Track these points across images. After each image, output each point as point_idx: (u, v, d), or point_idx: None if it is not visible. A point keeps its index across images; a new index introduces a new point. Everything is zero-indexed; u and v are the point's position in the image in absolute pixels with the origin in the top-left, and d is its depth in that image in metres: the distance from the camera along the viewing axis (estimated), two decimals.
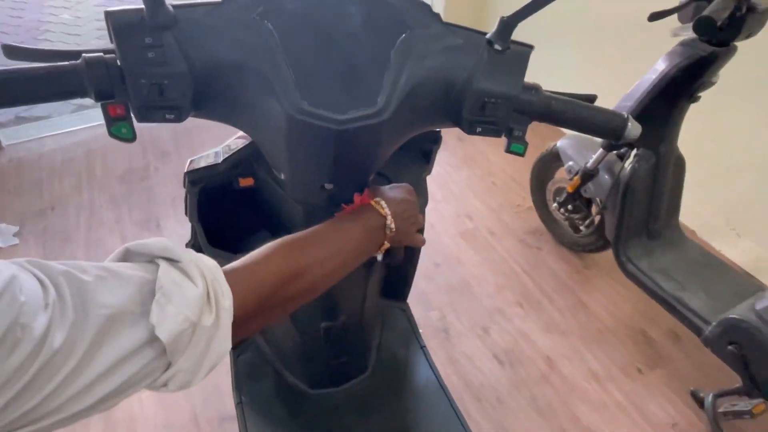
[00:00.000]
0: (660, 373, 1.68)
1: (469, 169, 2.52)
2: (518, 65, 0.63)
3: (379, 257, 0.71)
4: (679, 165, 1.71)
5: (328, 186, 0.68)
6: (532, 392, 1.61)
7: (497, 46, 0.62)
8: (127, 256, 0.45)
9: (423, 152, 0.92)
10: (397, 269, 1.27)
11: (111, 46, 0.57)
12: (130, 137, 0.58)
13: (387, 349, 1.24)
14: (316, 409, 1.13)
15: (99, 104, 0.57)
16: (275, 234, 0.90)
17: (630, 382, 1.65)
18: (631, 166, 1.64)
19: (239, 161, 0.80)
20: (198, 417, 1.48)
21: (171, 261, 0.44)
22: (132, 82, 0.55)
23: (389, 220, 0.66)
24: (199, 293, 0.42)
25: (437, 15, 0.64)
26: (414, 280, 1.32)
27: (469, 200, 2.33)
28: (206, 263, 0.46)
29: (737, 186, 2.03)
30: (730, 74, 1.48)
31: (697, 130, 1.68)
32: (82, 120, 2.72)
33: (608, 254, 1.82)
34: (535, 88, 0.65)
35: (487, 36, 0.63)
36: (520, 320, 1.82)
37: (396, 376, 1.20)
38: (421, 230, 0.83)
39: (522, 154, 0.67)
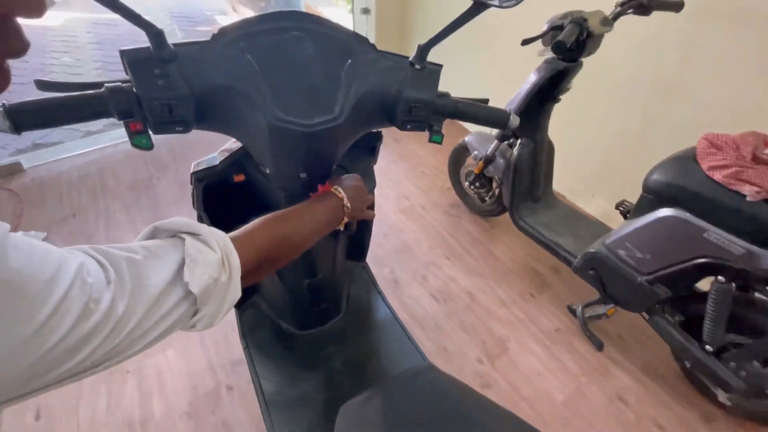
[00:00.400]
0: (546, 296, 1.79)
1: (404, 162, 2.56)
2: (433, 79, 0.67)
3: (341, 228, 0.73)
4: (550, 148, 1.80)
5: (303, 175, 0.70)
6: (460, 318, 1.67)
7: (417, 66, 0.65)
8: (155, 233, 0.45)
9: (369, 147, 0.94)
10: (356, 237, 1.30)
11: (125, 77, 0.56)
12: (149, 146, 0.58)
13: (354, 297, 1.27)
14: (305, 345, 1.15)
15: (120, 123, 0.56)
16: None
17: (526, 304, 1.75)
18: (517, 151, 1.71)
19: (233, 162, 0.80)
20: (213, 363, 1.46)
21: (192, 234, 0.44)
22: (147, 103, 0.54)
23: (345, 201, 0.69)
24: (218, 257, 0.44)
25: (373, 45, 0.66)
26: (370, 246, 1.35)
27: (405, 185, 2.37)
28: (218, 235, 0.47)
29: (590, 161, 2.13)
30: (580, 82, 1.58)
31: (561, 122, 1.78)
32: (91, 143, 2.53)
33: (506, 216, 1.90)
34: (446, 95, 0.69)
35: (410, 59, 0.67)
36: (448, 268, 1.89)
37: (363, 315, 1.23)
38: (371, 207, 0.86)
39: (440, 143, 0.70)
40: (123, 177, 2.31)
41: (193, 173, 0.79)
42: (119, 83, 0.54)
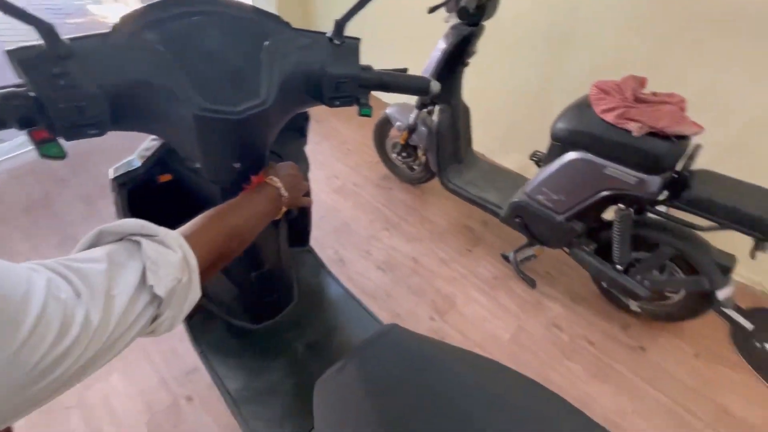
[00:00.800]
0: (481, 249, 1.92)
1: (328, 142, 2.54)
2: (354, 53, 0.68)
3: (280, 217, 0.71)
4: (466, 111, 1.90)
5: (237, 165, 0.68)
6: (407, 283, 1.75)
7: (336, 41, 0.66)
8: (100, 237, 0.42)
9: (298, 129, 0.93)
10: (297, 224, 1.29)
11: (18, 80, 0.50)
12: (62, 155, 0.52)
13: (305, 281, 1.27)
14: (263, 337, 1.13)
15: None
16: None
17: (464, 259, 1.87)
18: (437, 117, 1.78)
19: (156, 161, 0.75)
20: (165, 378, 1.39)
21: (147, 236, 0.42)
22: (52, 107, 0.49)
23: (282, 190, 0.67)
24: (179, 258, 0.42)
25: (287, 23, 0.65)
26: (308, 240, 1.35)
27: (333, 165, 2.37)
28: (173, 234, 0.45)
29: (503, 119, 2.29)
30: (484, 45, 1.67)
31: (472, 86, 1.87)
32: None
33: (435, 181, 1.99)
34: (369, 68, 0.70)
35: (327, 35, 0.67)
36: (389, 239, 1.94)
37: (316, 297, 1.23)
38: (307, 194, 0.84)
39: (370, 116, 0.72)
40: (14, 200, 2.02)
41: (114, 179, 0.73)
42: (12, 88, 0.48)
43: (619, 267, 1.48)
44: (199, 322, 1.15)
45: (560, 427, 0.53)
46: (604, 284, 1.63)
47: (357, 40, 0.69)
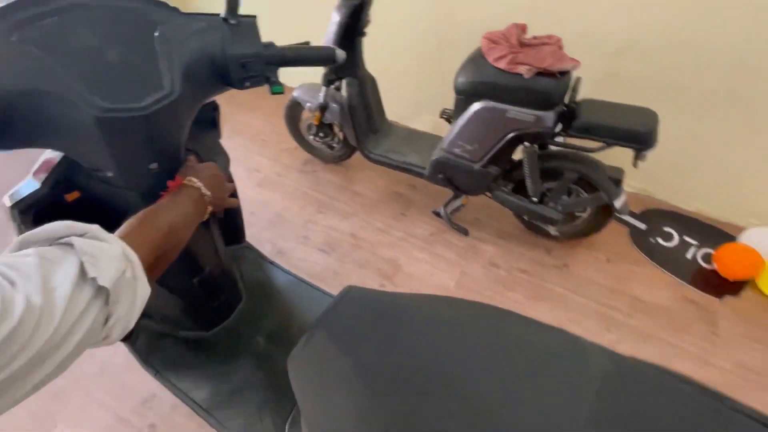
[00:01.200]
0: (413, 210, 2.01)
1: (240, 137, 2.44)
2: (253, 31, 0.66)
3: (207, 217, 0.69)
4: (372, 82, 1.93)
5: (153, 166, 0.65)
6: (351, 258, 1.77)
7: (232, 21, 0.64)
8: (23, 246, 0.38)
9: (210, 121, 0.90)
10: (228, 222, 1.25)
11: None
12: None
13: (249, 277, 1.24)
14: (220, 342, 1.10)
15: None
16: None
17: (400, 224, 1.94)
18: (346, 92, 1.79)
19: (58, 179, 0.68)
20: (121, 414, 1.29)
21: (77, 236, 0.40)
22: None
23: (203, 190, 0.65)
24: (119, 249, 0.41)
25: (175, 8, 0.62)
26: (244, 237, 1.31)
27: (251, 159, 2.28)
28: (106, 232, 0.43)
29: (408, 84, 2.36)
30: (377, 13, 1.70)
31: (374, 55, 1.90)
32: None
33: (358, 155, 2.02)
34: (271, 44, 0.69)
35: (221, 16, 0.65)
36: (324, 220, 1.95)
37: (265, 290, 1.21)
38: (234, 195, 0.81)
39: (282, 92, 0.71)
40: None
41: (12, 206, 0.65)
42: None
43: (534, 199, 1.65)
44: (144, 344, 1.09)
45: (534, 339, 0.59)
46: (526, 217, 1.81)
47: (253, 17, 0.67)
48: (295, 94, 1.95)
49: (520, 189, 1.69)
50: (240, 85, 0.67)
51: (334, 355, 0.61)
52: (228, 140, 2.37)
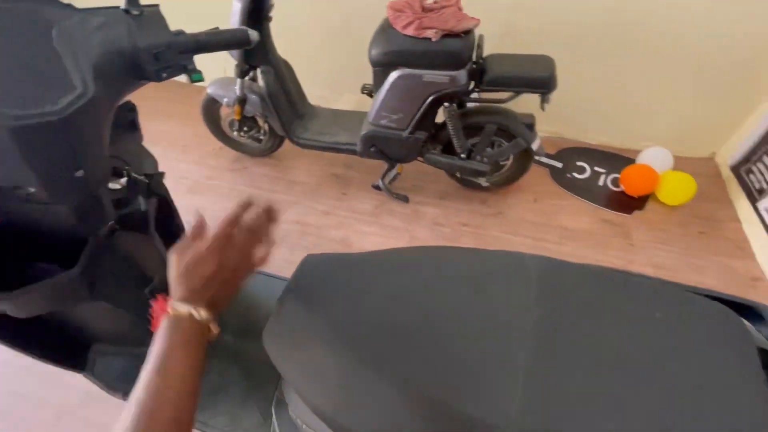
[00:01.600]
0: (353, 188, 2.04)
1: (159, 147, 2.25)
2: (159, 19, 0.64)
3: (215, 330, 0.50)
4: (288, 67, 1.90)
5: (79, 173, 0.61)
6: (302, 245, 1.78)
7: (135, 12, 0.62)
8: None
9: (129, 123, 0.86)
10: (165, 231, 1.20)
11: None
12: None
13: None
14: None
15: None
16: (48, 259, 0.75)
17: (343, 203, 1.97)
18: (263, 80, 1.76)
19: None
20: None
21: None
22: None
23: (197, 314, 0.47)
24: None
25: (70, 4, 0.59)
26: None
27: (176, 167, 2.17)
28: None
29: (324, 65, 2.35)
30: None
31: (286, 40, 1.87)
32: None
33: (288, 144, 2.00)
34: (181, 32, 0.67)
35: (122, 7, 0.62)
36: None
37: None
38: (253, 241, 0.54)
39: (202, 79, 0.70)
40: None
41: None
42: None
43: (462, 156, 1.75)
44: (103, 368, 1.04)
45: (477, 263, 0.66)
46: (458, 175, 1.92)
47: (156, 6, 0.65)
48: (209, 91, 1.87)
49: (448, 149, 1.79)
50: (157, 77, 0.65)
51: (307, 316, 0.65)
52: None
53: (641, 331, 0.52)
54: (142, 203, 0.84)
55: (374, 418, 0.55)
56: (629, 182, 1.96)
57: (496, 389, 0.49)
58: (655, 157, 2.02)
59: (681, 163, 2.04)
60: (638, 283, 0.60)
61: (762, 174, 1.85)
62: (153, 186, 0.87)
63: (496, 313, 0.57)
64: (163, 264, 1.01)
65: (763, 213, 1.80)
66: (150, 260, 0.97)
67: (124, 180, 0.82)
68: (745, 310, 0.58)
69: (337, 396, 0.59)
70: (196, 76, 0.69)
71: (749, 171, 1.94)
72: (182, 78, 0.76)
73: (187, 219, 1.87)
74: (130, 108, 0.82)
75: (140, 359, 1.09)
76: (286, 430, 0.88)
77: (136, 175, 0.82)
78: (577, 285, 0.58)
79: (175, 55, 0.66)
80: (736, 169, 2.02)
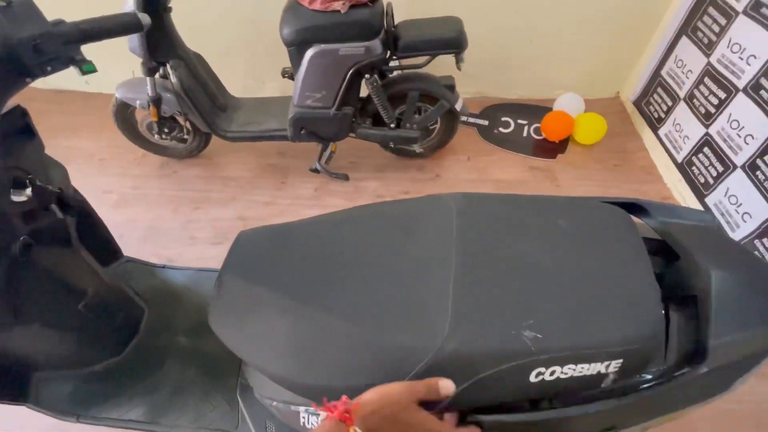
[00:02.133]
0: (291, 175, 2.02)
1: (74, 164, 2.05)
2: (31, 9, 0.60)
3: None
4: (200, 58, 1.82)
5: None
6: None
7: (2, 3, 0.58)
8: None
9: (24, 130, 0.79)
10: (98, 242, 1.14)
11: None
12: None
13: (144, 287, 1.16)
14: (136, 359, 1.05)
15: None
16: None
17: (283, 192, 1.95)
18: (175, 76, 1.67)
19: None
20: None
21: None
22: None
23: None
24: None
25: None
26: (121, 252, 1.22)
27: (96, 182, 2.02)
28: None
29: (242, 55, 2.28)
30: None
31: (195, 33, 1.78)
32: None
33: (215, 139, 1.94)
34: (61, 21, 0.64)
35: None
36: (205, 215, 1.86)
37: (167, 293, 1.16)
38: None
39: (95, 70, 0.66)
40: None
41: None
42: None
43: (392, 126, 1.79)
44: (50, 396, 0.98)
45: (404, 211, 0.69)
46: (392, 145, 1.96)
47: None
48: (118, 95, 1.75)
49: (377, 121, 1.82)
50: (41, 72, 0.61)
51: (247, 289, 0.66)
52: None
53: (549, 239, 0.59)
54: (56, 211, 0.79)
55: (327, 368, 0.58)
56: (549, 129, 2.10)
57: (427, 316, 0.53)
58: (568, 103, 2.17)
59: (592, 105, 2.21)
60: (543, 199, 0.67)
61: (659, 104, 2.06)
62: (65, 194, 0.82)
63: (423, 249, 0.61)
64: (95, 275, 0.97)
65: (664, 139, 2.01)
66: (79, 273, 0.92)
67: (29, 191, 0.76)
68: (632, 207, 0.66)
69: (291, 358, 0.61)
70: (87, 66, 0.66)
71: (648, 103, 2.14)
72: (78, 77, 0.72)
73: (118, 234, 1.78)
74: (22, 113, 0.76)
75: (90, 379, 1.04)
76: (254, 413, 0.89)
77: (41, 185, 0.77)
78: (491, 211, 0.64)
79: (58, 46, 0.63)
80: (637, 103, 2.23)
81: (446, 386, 0.48)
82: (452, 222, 0.62)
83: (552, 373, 0.49)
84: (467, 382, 0.49)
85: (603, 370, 0.50)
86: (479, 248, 0.58)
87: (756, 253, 1.51)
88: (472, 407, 0.53)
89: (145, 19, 0.72)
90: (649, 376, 0.54)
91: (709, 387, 0.54)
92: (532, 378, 0.49)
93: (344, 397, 0.44)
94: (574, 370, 0.49)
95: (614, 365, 0.49)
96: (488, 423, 0.52)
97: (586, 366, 0.49)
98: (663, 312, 0.53)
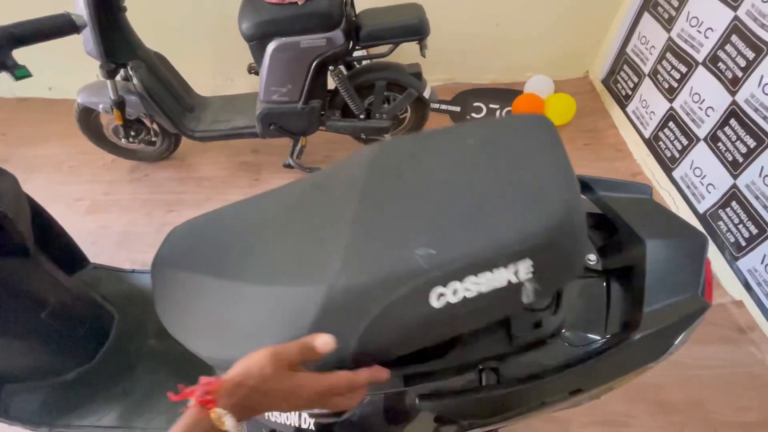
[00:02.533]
0: (265, 172, 2.02)
1: (40, 175, 2.07)
2: None
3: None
4: (162, 59, 1.78)
5: None
6: None
7: None
8: None
9: None
10: (62, 250, 1.13)
11: None
12: None
13: (113, 293, 1.15)
14: (108, 365, 1.04)
15: None
16: None
17: (258, 189, 1.93)
18: (136, 77, 1.64)
19: None
20: None
21: None
22: None
23: (226, 427, 0.39)
24: None
25: None
26: (93, 260, 1.20)
27: (65, 191, 1.98)
28: None
29: (206, 53, 2.25)
30: None
31: (157, 33, 1.75)
32: None
33: (185, 140, 1.91)
34: None
35: None
36: (179, 217, 1.83)
37: (136, 298, 1.14)
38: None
39: (29, 74, 0.65)
40: None
41: None
42: None
43: (362, 117, 1.78)
44: (21, 408, 0.97)
45: (320, 182, 0.67)
46: (363, 136, 1.95)
47: None
48: (79, 100, 1.72)
49: (347, 113, 1.81)
50: None
51: (187, 278, 0.66)
52: (27, 182, 2.02)
53: (455, 158, 0.55)
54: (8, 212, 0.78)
55: (240, 337, 0.57)
56: (520, 111, 2.11)
57: (322, 259, 0.52)
58: (538, 85, 2.19)
59: (561, 86, 2.23)
60: (458, 126, 0.63)
61: (625, 82, 2.09)
62: (14, 200, 0.81)
63: (332, 202, 0.60)
64: (57, 284, 0.96)
65: (632, 116, 2.04)
66: (39, 283, 0.91)
67: None
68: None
69: (215, 335, 0.61)
70: (19, 71, 0.64)
71: (616, 81, 2.17)
72: (11, 81, 0.70)
73: (91, 240, 1.76)
74: None
75: (61, 387, 1.04)
76: None
77: None
78: (402, 149, 0.60)
79: None
80: (606, 81, 2.25)
81: (325, 342, 0.44)
82: (364, 168, 0.59)
83: (455, 292, 0.44)
84: (368, 319, 0.46)
85: (513, 279, 0.43)
86: (383, 187, 0.56)
87: (715, 223, 1.55)
88: (391, 355, 0.49)
89: (79, 19, 0.70)
90: (598, 339, 0.55)
91: (648, 352, 0.56)
92: (434, 302, 0.44)
93: (202, 378, 0.41)
94: (478, 284, 0.43)
95: (524, 270, 0.43)
96: (439, 406, 0.53)
97: (489, 275, 0.43)
98: (574, 201, 0.45)
